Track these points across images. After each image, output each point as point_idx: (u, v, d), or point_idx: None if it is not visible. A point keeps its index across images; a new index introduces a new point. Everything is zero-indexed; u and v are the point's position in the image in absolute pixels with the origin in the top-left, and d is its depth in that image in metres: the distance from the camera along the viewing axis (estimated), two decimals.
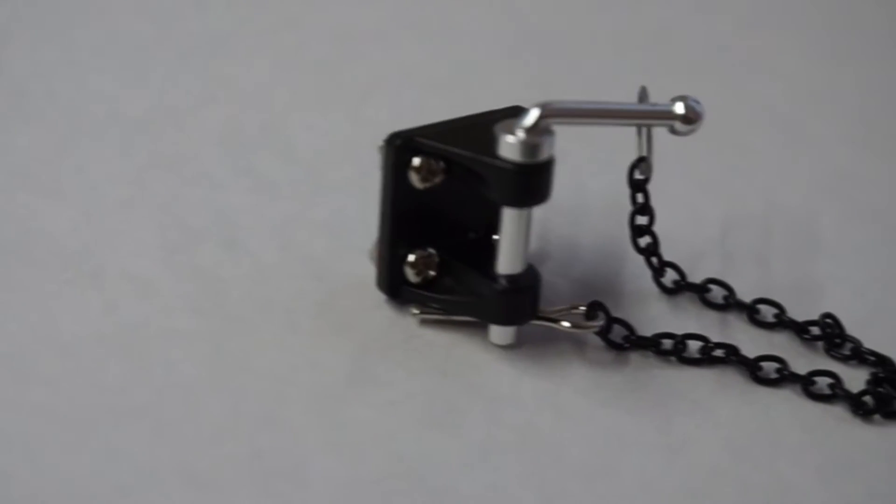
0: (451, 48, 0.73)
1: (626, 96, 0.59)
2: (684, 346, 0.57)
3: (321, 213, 0.62)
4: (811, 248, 0.63)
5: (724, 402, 0.55)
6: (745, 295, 0.59)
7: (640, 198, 0.58)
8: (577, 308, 0.57)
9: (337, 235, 0.60)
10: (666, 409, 0.55)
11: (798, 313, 0.59)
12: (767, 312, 0.59)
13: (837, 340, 0.58)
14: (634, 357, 0.57)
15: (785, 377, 0.57)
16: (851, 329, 0.58)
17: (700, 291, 0.60)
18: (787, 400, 0.56)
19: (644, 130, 0.56)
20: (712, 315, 0.59)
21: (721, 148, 0.69)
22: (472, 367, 0.56)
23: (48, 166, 0.62)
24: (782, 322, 0.59)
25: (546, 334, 0.57)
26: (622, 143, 0.60)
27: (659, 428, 0.54)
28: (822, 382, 0.56)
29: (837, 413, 0.56)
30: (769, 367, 0.57)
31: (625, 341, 0.57)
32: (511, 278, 0.55)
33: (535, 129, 0.53)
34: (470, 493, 0.51)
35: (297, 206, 0.62)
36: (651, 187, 0.64)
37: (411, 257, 0.57)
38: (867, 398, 0.56)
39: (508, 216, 0.54)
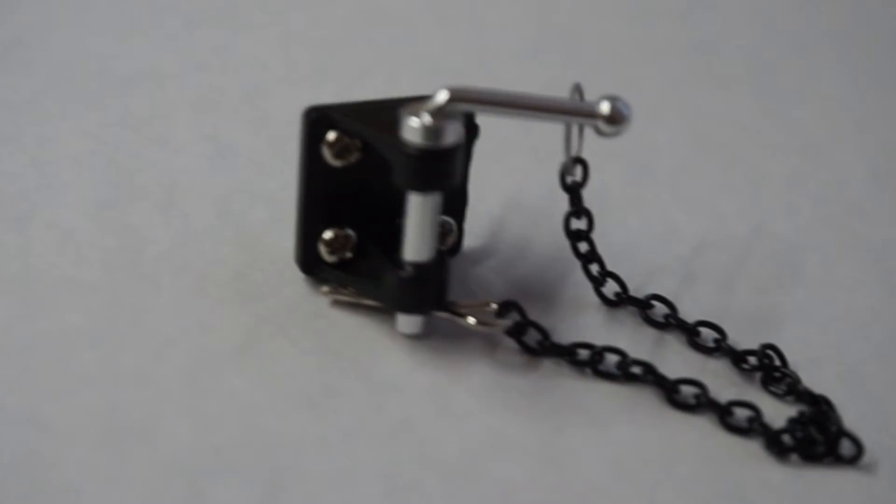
0: (467, 39, 0.71)
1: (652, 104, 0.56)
2: (601, 358, 0.53)
3: (268, 186, 0.60)
4: (787, 278, 0.58)
5: (628, 421, 0.51)
6: (697, 317, 0.55)
7: (575, 201, 0.55)
8: (489, 305, 0.54)
9: (277, 209, 0.59)
10: (559, 420, 0.51)
11: (749, 343, 0.54)
12: (709, 336, 0.55)
13: (776, 374, 0.54)
14: (548, 364, 0.53)
15: (702, 404, 0.52)
16: (803, 366, 0.54)
17: (642, 307, 0.56)
18: (700, 428, 0.51)
19: (571, 129, 0.53)
20: (650, 333, 0.55)
21: (730, 165, 0.64)
22: (369, 352, 0.53)
23: (16, 113, 0.63)
24: (721, 348, 0.55)
25: (460, 330, 0.54)
26: (615, 149, 0.57)
27: (545, 438, 0.50)
28: (742, 414, 0.52)
29: (751, 448, 0.51)
30: (688, 392, 0.53)
31: (539, 346, 0.54)
32: (416, 266, 0.52)
33: (440, 113, 0.50)
34: (314, 476, 0.48)
35: (247, 176, 0.61)
36: (635, 197, 0.61)
37: (327, 235, 0.55)
38: (786, 437, 0.51)
39: (412, 202, 0.52)
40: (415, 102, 0.51)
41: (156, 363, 0.51)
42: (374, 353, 0.53)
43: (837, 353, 0.55)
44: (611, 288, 0.56)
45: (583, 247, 0.56)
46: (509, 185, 0.62)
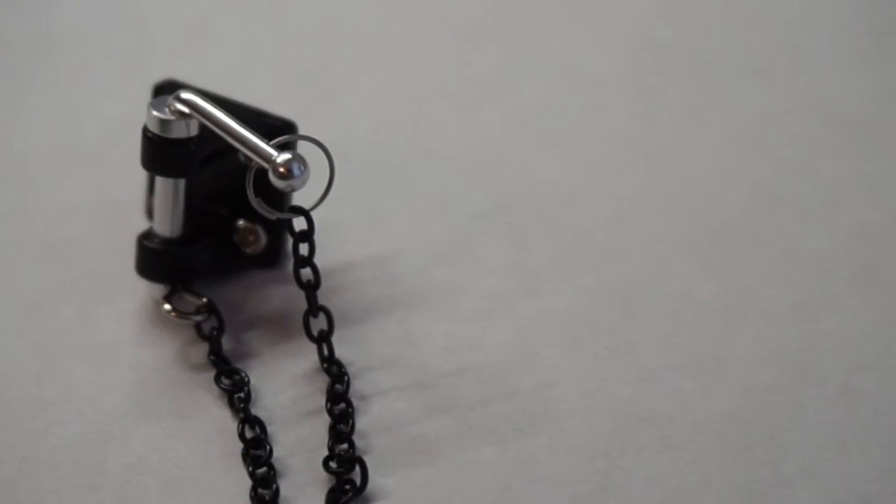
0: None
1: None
2: (238, 389, 0.58)
3: None
4: None
5: (200, 444, 0.56)
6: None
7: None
8: (201, 300, 0.60)
9: None
10: (149, 411, 0.57)
11: None
12: None
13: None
14: (211, 375, 0.59)
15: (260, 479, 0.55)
16: None
17: (333, 378, 0.59)
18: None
19: (253, 169, 0.57)
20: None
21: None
22: (113, 293, 0.62)
23: None
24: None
25: None
26: None
27: (122, 416, 0.57)
28: None
29: None
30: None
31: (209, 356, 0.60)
32: (158, 239, 0.61)
33: (172, 110, 0.58)
34: None
35: None
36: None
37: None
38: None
39: (157, 181, 0.60)
40: (163, 97, 0.59)
41: None
42: (118, 297, 0.62)
43: None
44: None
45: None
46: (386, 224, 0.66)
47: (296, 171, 0.56)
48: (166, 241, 0.61)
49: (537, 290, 0.63)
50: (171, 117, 0.58)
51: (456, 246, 0.65)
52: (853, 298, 0.62)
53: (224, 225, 0.63)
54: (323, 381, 0.59)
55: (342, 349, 0.60)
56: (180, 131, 0.59)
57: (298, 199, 0.60)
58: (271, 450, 0.56)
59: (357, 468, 0.55)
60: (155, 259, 0.61)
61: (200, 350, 0.60)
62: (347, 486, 0.55)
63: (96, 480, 0.55)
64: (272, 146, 0.57)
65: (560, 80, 0.73)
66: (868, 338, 0.61)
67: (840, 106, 0.71)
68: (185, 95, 0.58)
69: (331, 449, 0.56)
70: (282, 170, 0.56)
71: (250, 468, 0.55)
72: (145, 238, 0.61)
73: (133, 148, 0.67)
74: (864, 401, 0.58)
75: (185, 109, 0.58)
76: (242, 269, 0.63)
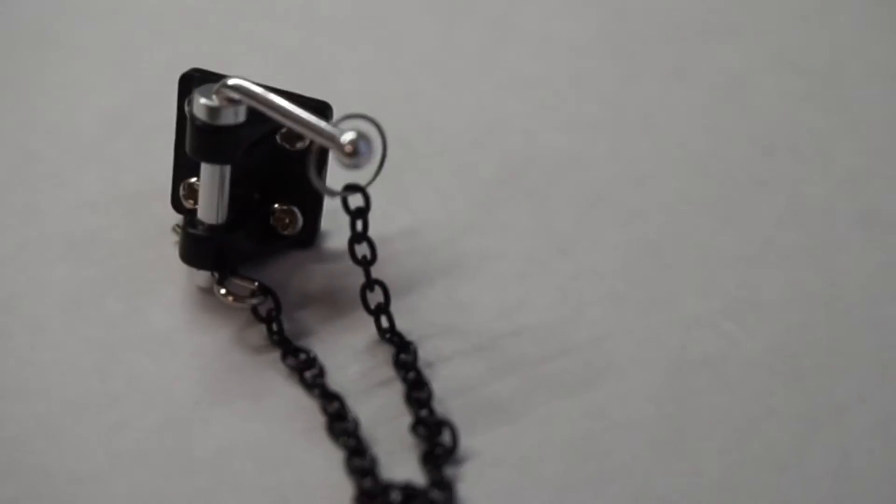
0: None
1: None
2: (308, 367, 0.58)
3: None
4: None
5: (278, 427, 0.57)
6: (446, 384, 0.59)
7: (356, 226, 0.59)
8: (253, 284, 0.60)
9: None
10: (218, 397, 0.58)
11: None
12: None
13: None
14: (273, 355, 0.60)
15: (352, 447, 0.56)
16: None
17: (397, 349, 0.59)
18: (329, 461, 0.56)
19: (315, 149, 0.58)
20: (387, 373, 0.59)
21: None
22: (156, 285, 0.62)
23: None
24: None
25: None
26: None
27: (184, 400, 0.57)
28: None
29: None
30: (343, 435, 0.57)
31: (271, 336, 0.60)
32: (203, 225, 0.60)
33: (221, 97, 0.58)
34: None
35: None
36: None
37: (187, 182, 0.63)
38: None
39: (202, 168, 0.60)
40: (208, 84, 0.59)
41: None
42: (160, 287, 0.62)
43: None
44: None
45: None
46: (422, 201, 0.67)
47: (363, 150, 0.57)
48: (212, 228, 0.61)
49: (568, 251, 0.65)
50: (220, 104, 0.59)
51: (480, 214, 0.66)
52: (861, 236, 0.66)
53: (259, 208, 0.63)
54: (384, 353, 0.60)
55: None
56: (228, 118, 0.59)
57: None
58: (357, 421, 0.57)
59: (443, 431, 0.57)
60: (201, 246, 0.61)
61: (256, 332, 0.60)
62: (439, 449, 0.56)
63: (189, 466, 0.55)
64: (334, 126, 0.57)
65: (540, 49, 0.75)
66: (883, 270, 0.65)
67: (805, 59, 0.76)
68: (234, 82, 0.58)
69: (415, 415, 0.57)
70: (349, 149, 0.57)
71: (342, 440, 0.56)
72: (190, 226, 0.61)
73: (134, 139, 0.68)
74: (894, 329, 0.62)
75: (236, 96, 0.58)
76: (279, 252, 0.64)
